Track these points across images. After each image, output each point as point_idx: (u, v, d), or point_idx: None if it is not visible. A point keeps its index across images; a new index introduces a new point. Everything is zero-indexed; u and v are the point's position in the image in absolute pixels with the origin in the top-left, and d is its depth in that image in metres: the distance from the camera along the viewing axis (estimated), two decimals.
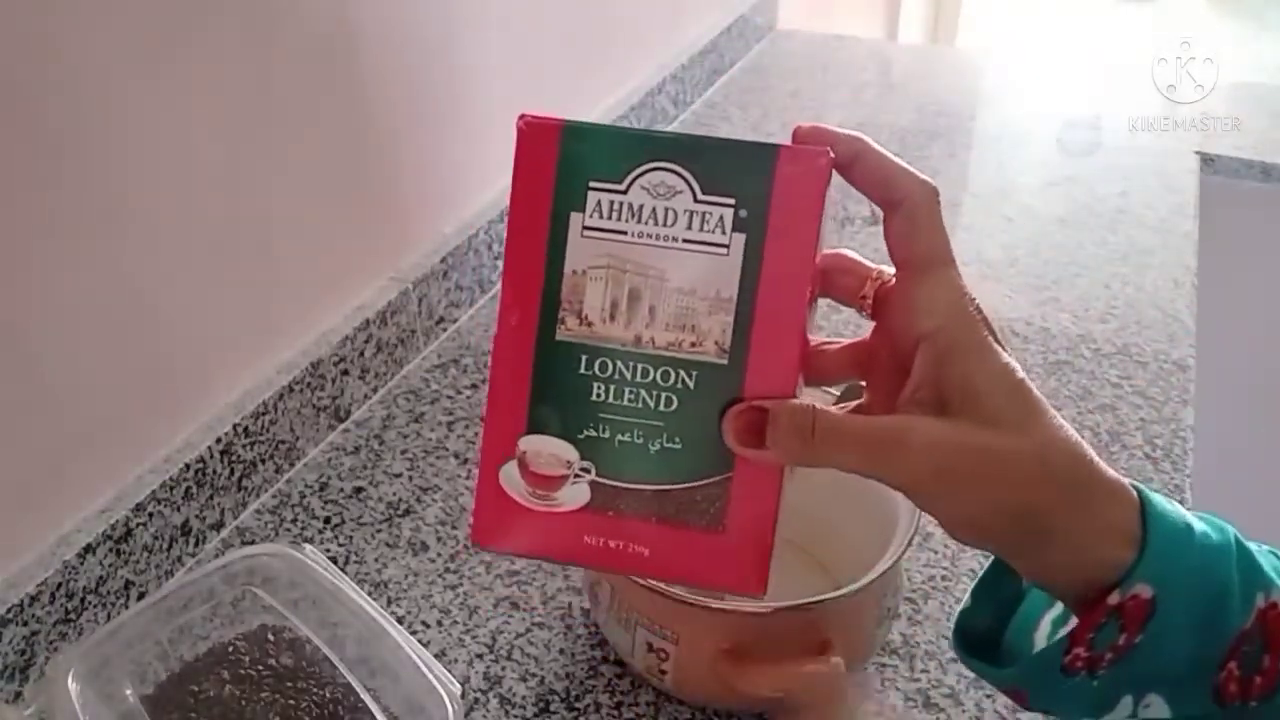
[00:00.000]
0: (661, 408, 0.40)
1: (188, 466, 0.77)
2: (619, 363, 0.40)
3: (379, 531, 0.82)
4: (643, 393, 0.40)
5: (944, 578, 0.77)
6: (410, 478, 0.88)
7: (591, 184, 0.39)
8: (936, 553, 0.79)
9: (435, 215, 1.05)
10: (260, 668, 0.62)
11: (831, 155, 0.39)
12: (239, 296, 0.83)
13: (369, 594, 0.77)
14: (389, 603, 0.76)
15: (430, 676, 0.57)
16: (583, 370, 0.40)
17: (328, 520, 0.84)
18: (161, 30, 0.70)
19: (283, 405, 0.85)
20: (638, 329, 0.39)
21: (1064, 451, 0.39)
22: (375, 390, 0.97)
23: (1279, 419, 1.64)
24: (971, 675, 0.70)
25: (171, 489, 0.76)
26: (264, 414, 0.84)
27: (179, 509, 0.77)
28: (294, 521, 0.84)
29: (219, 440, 0.80)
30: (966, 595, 0.48)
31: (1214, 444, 1.14)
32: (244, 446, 0.82)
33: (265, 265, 0.85)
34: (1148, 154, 1.40)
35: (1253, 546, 0.41)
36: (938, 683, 0.70)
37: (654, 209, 0.39)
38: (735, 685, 0.60)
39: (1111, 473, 0.40)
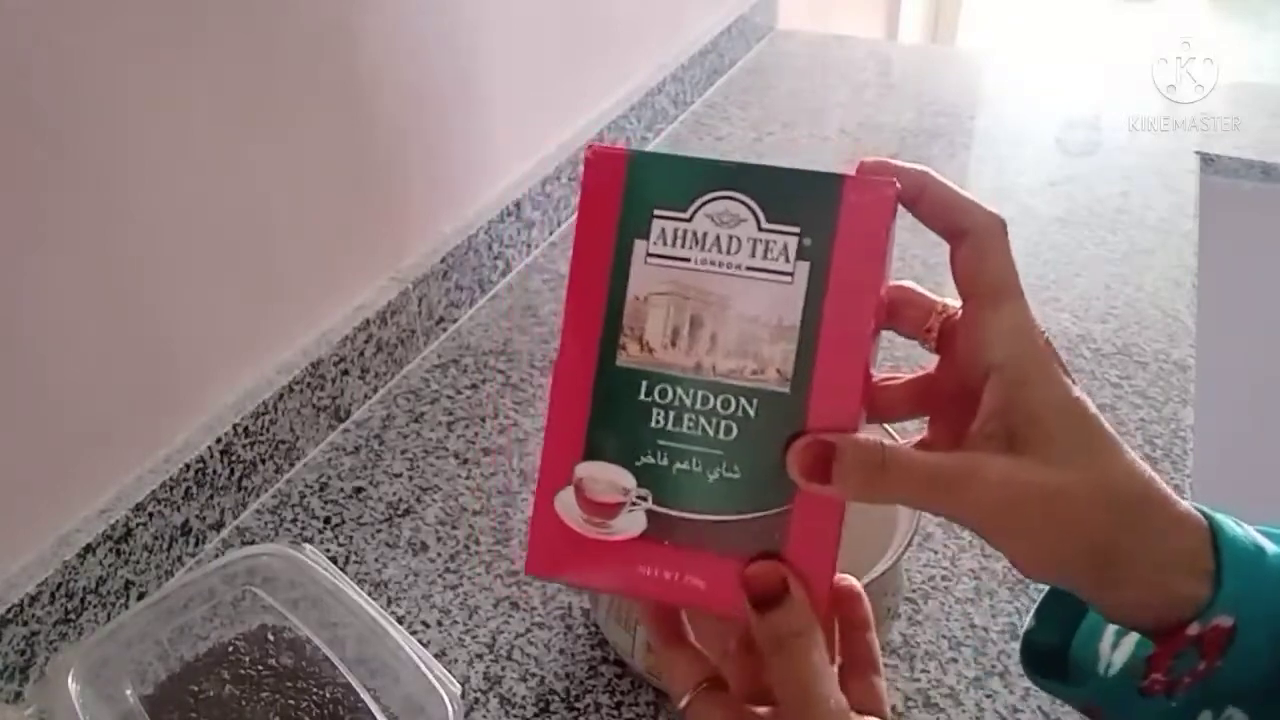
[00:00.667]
0: (721, 436, 0.39)
1: (188, 466, 0.77)
2: (679, 389, 0.39)
3: (379, 531, 0.82)
4: (703, 420, 0.39)
5: (944, 578, 0.77)
6: (410, 478, 0.88)
7: (657, 211, 0.39)
8: (936, 553, 0.79)
9: (435, 215, 1.05)
10: (260, 668, 0.62)
11: (897, 186, 0.39)
12: (239, 296, 0.83)
13: (369, 594, 0.77)
14: (389, 603, 0.76)
15: (430, 676, 0.57)
16: (642, 396, 0.39)
17: (328, 520, 0.84)
18: (162, 31, 0.70)
19: (283, 405, 0.85)
20: (699, 356, 0.39)
21: (1132, 487, 0.38)
22: (375, 390, 0.97)
23: (1279, 419, 1.64)
24: (971, 675, 0.70)
25: (171, 489, 0.76)
26: (264, 414, 0.84)
27: (179, 509, 0.77)
28: (294, 521, 0.84)
29: (219, 440, 0.80)
30: (1030, 615, 0.47)
31: (1214, 444, 1.14)
32: (244, 446, 0.82)
33: (265, 265, 0.85)
34: (1148, 154, 1.40)
35: None
36: (938, 683, 0.70)
37: (718, 236, 0.39)
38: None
39: (1181, 503, 0.39)
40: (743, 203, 0.39)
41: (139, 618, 0.62)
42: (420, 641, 0.73)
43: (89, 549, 0.71)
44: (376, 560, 0.80)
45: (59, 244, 0.67)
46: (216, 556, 0.80)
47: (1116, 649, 0.43)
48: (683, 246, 0.39)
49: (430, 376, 1.00)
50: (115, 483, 0.75)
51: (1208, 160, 1.40)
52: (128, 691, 0.59)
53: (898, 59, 1.87)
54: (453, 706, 0.56)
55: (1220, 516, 0.40)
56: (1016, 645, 0.72)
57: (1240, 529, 0.40)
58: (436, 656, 0.72)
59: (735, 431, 0.39)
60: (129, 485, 0.75)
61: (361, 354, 0.94)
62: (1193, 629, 0.38)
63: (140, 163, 0.71)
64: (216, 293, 0.80)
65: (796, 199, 0.38)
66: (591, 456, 0.40)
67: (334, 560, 0.80)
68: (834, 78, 1.69)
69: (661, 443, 0.39)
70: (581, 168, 0.40)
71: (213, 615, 0.64)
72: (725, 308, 0.39)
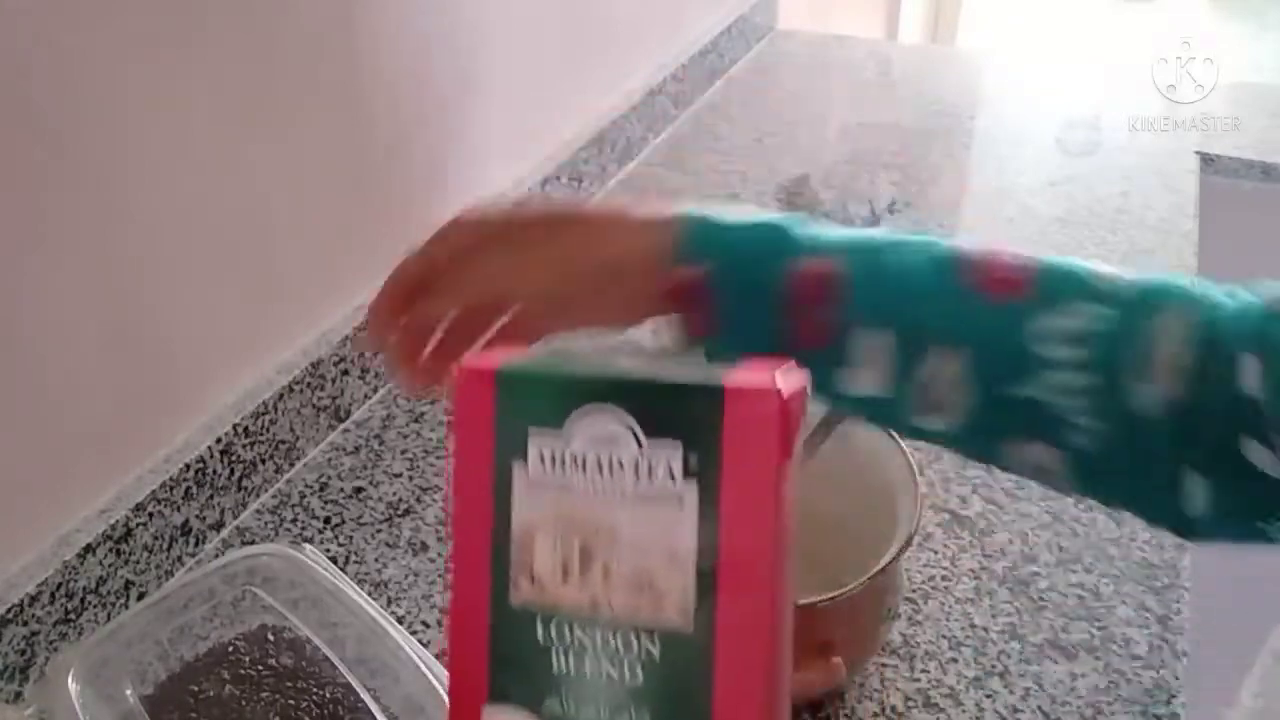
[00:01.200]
0: (627, 679, 0.35)
1: (188, 466, 0.77)
2: (577, 629, 0.36)
3: (379, 531, 0.82)
4: (605, 662, 0.36)
5: (944, 578, 0.78)
6: (410, 478, 0.88)
7: (532, 431, 0.36)
8: (936, 553, 0.80)
9: (435, 215, 1.04)
10: (260, 668, 0.62)
11: (785, 396, 0.35)
12: (239, 296, 0.83)
13: (369, 594, 0.77)
14: (389, 603, 0.76)
15: (430, 676, 0.57)
16: (540, 637, 0.36)
17: (328, 520, 0.84)
18: (162, 31, 0.70)
19: (283, 405, 0.85)
20: (594, 591, 0.35)
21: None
22: (375, 390, 0.97)
23: None
24: (971, 675, 0.70)
25: (171, 489, 0.76)
26: (264, 414, 0.84)
27: (179, 509, 0.77)
28: (294, 521, 0.84)
29: (219, 440, 0.80)
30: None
31: None
32: (244, 446, 0.82)
33: (265, 265, 0.85)
34: (1148, 154, 1.40)
35: (818, 230, 0.50)
36: (938, 683, 0.70)
37: (598, 457, 0.35)
38: None
39: (650, 212, 0.51)
40: (619, 417, 0.35)
41: (139, 618, 0.62)
42: (420, 641, 0.72)
43: (89, 549, 0.71)
44: (376, 560, 0.80)
45: (59, 244, 0.67)
46: (217, 556, 0.80)
47: None
48: (563, 470, 0.36)
49: None
50: (115, 483, 0.75)
51: (1208, 160, 1.40)
52: (128, 691, 0.59)
53: (898, 59, 1.87)
54: None
55: (698, 208, 0.51)
56: (1016, 645, 0.72)
57: (712, 209, 0.51)
58: (436, 657, 0.72)
59: (640, 675, 0.35)
60: (129, 485, 0.75)
61: (361, 354, 0.94)
62: (672, 280, 0.50)
63: (140, 163, 0.71)
64: (216, 293, 0.80)
65: (677, 410, 0.35)
66: (496, 699, 0.37)
67: (334, 560, 0.80)
68: (834, 78, 1.69)
69: (565, 687, 0.36)
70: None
71: (213, 615, 0.64)
72: (614, 538, 0.35)
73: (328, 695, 0.60)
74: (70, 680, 0.56)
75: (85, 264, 0.69)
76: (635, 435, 0.35)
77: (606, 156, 1.31)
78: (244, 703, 0.60)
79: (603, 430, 0.36)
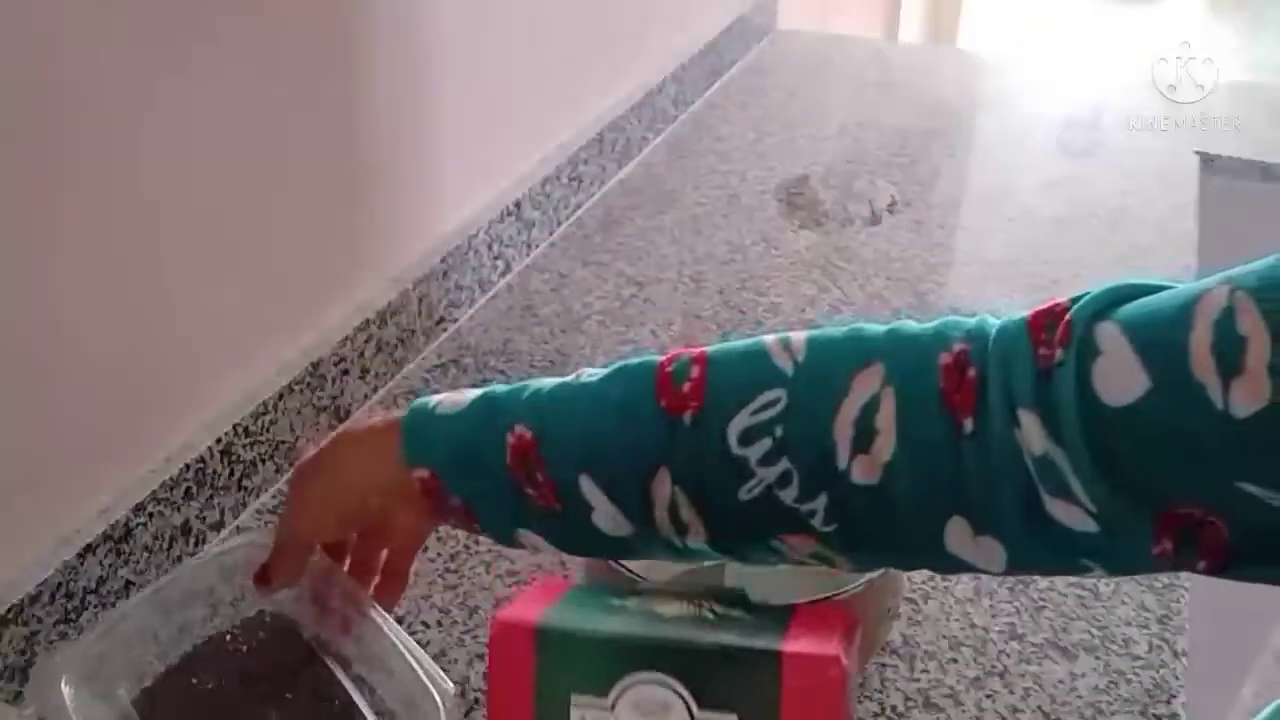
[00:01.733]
0: None
1: (188, 466, 0.77)
2: None
3: None
4: None
5: (944, 578, 0.77)
6: None
7: (575, 699, 0.35)
8: None
9: (435, 215, 1.05)
10: (255, 660, 0.61)
11: (844, 664, 0.34)
12: (239, 296, 0.83)
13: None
14: None
15: (422, 675, 0.57)
16: None
17: None
18: (162, 30, 0.70)
19: (283, 405, 0.85)
20: None
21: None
22: (375, 390, 0.97)
23: None
24: (971, 675, 0.70)
25: (171, 489, 0.76)
26: (264, 414, 0.84)
27: (179, 509, 0.77)
28: None
29: (219, 440, 0.80)
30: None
31: None
32: (244, 446, 0.82)
33: (265, 265, 0.85)
34: (1148, 154, 1.40)
35: (530, 387, 0.51)
36: (938, 683, 0.70)
37: None
38: None
39: (374, 422, 0.54)
40: (670, 687, 0.34)
41: (136, 612, 0.62)
42: (420, 642, 0.72)
43: (89, 549, 0.71)
44: None
45: (59, 244, 0.67)
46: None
47: None
48: None
49: (430, 376, 1.00)
50: (115, 483, 0.75)
51: (1208, 160, 1.40)
52: (121, 691, 0.59)
53: (898, 59, 1.87)
54: (445, 705, 0.56)
55: (413, 405, 0.53)
56: (1016, 645, 0.72)
57: (424, 402, 0.52)
58: (436, 657, 0.72)
59: None
60: (129, 485, 0.75)
61: (361, 354, 0.94)
62: (416, 488, 0.51)
63: (139, 162, 0.71)
64: (216, 293, 0.80)
65: (731, 679, 0.34)
66: None
67: None
68: (834, 78, 1.69)
69: None
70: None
71: (213, 615, 0.64)
72: None
73: (323, 691, 0.60)
74: (64, 684, 0.56)
75: (85, 264, 0.69)
76: (687, 706, 0.34)
77: (606, 156, 1.31)
78: (239, 697, 0.60)
79: (651, 699, 0.34)
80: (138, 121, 0.70)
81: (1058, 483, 0.41)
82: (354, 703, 0.58)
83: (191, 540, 0.79)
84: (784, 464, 0.44)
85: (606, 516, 0.48)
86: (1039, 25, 4.25)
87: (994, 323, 0.45)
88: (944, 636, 0.73)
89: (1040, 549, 0.43)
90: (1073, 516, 0.41)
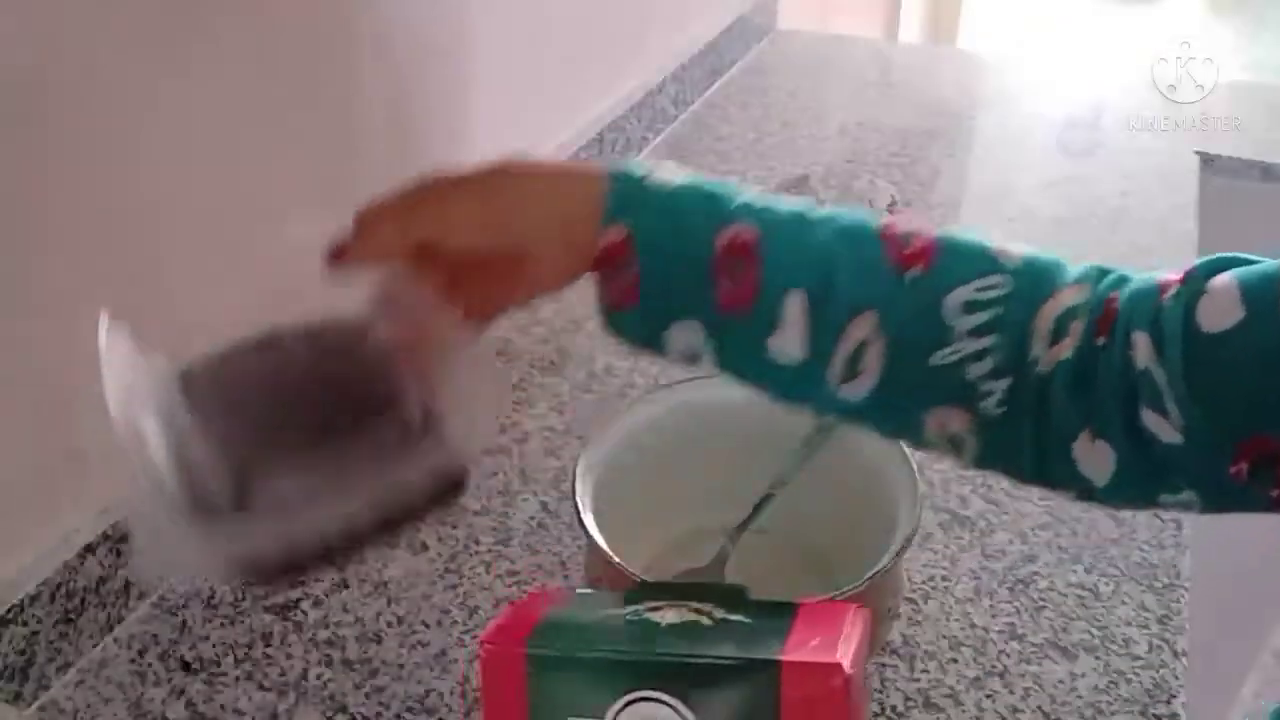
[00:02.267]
0: None
1: None
2: None
3: None
4: None
5: (944, 578, 0.78)
6: None
7: None
8: (936, 553, 0.80)
9: None
10: (318, 358, 0.56)
11: (847, 671, 0.33)
12: (239, 296, 0.82)
13: (368, 594, 0.77)
14: (389, 603, 0.76)
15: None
16: None
17: None
18: (161, 28, 0.70)
19: None
20: None
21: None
22: None
23: None
24: (971, 675, 0.70)
25: None
26: None
27: None
28: None
29: None
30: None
31: None
32: None
33: (265, 264, 0.84)
34: (1148, 154, 1.40)
35: (745, 192, 0.51)
36: (938, 683, 0.70)
37: None
38: None
39: (581, 165, 0.52)
40: (668, 704, 0.33)
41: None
42: (419, 642, 0.73)
43: (89, 549, 0.71)
44: (376, 560, 0.80)
45: (59, 244, 0.67)
46: None
47: None
48: None
49: None
50: (115, 483, 0.75)
51: (1208, 160, 1.40)
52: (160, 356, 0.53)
53: (898, 59, 1.87)
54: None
55: (622, 163, 0.51)
56: (1016, 645, 0.72)
57: (642, 165, 0.51)
58: (436, 657, 0.72)
59: None
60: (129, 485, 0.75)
61: None
62: (601, 242, 0.49)
63: (139, 162, 0.71)
64: (216, 292, 0.80)
65: (730, 694, 0.33)
66: None
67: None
68: (834, 78, 1.69)
69: None
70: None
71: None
72: None
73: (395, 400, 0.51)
74: (105, 327, 0.51)
75: (85, 264, 0.69)
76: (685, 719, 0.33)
77: (606, 156, 1.31)
78: (296, 389, 0.54)
79: (650, 717, 0.33)
80: (136, 117, 0.70)
81: (1153, 395, 0.46)
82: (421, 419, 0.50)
83: None
84: (989, 340, 0.49)
85: (789, 338, 0.49)
86: (1039, 25, 4.25)
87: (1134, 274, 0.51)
88: (944, 636, 0.73)
89: (1138, 461, 0.48)
90: (1162, 428, 0.46)
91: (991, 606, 0.75)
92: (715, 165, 1.39)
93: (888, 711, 0.68)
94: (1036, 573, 0.78)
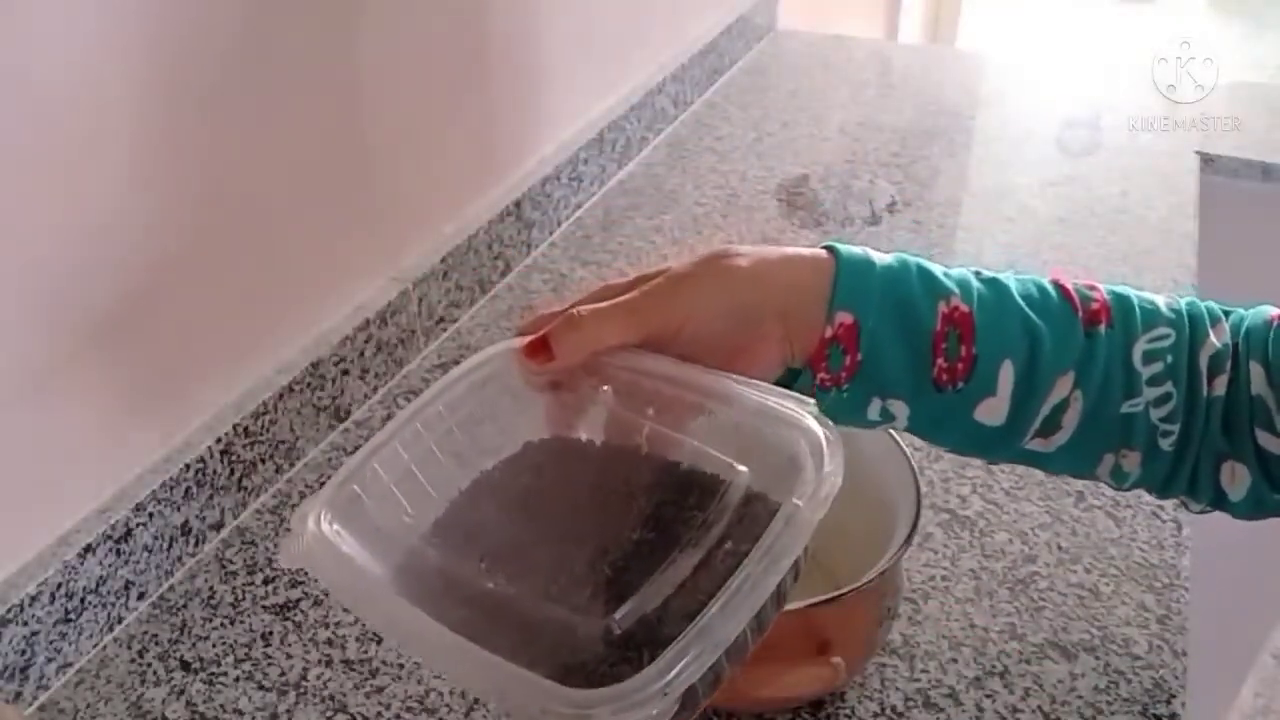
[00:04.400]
0: None
1: (188, 466, 0.77)
2: None
3: None
4: None
5: (944, 578, 0.78)
6: None
7: None
8: (936, 553, 0.79)
9: (435, 215, 1.05)
10: (580, 472, 0.50)
11: None
12: (239, 296, 0.83)
13: None
14: None
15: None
16: None
17: None
18: (163, 31, 0.70)
19: (283, 405, 0.85)
20: None
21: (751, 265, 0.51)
22: (375, 390, 0.97)
23: None
24: (971, 675, 0.70)
25: (171, 489, 0.76)
26: (264, 414, 0.84)
27: (179, 509, 0.77)
28: None
29: (219, 440, 0.80)
30: None
31: None
32: (244, 446, 0.82)
33: (265, 265, 0.85)
34: (1148, 154, 1.40)
35: (945, 268, 0.53)
36: (937, 683, 0.70)
37: None
38: (736, 686, 0.60)
39: (808, 253, 0.52)
40: None
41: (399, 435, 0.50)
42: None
43: (89, 549, 0.71)
44: None
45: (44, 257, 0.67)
46: (217, 556, 0.80)
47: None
48: None
49: (430, 376, 1.00)
50: (115, 483, 0.75)
51: (1208, 160, 1.40)
52: (405, 519, 0.48)
53: (898, 59, 1.87)
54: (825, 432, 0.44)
55: (841, 248, 0.52)
56: (1016, 645, 0.72)
57: (858, 249, 0.52)
58: None
59: None
60: (129, 485, 0.75)
61: (361, 354, 0.94)
62: (826, 331, 0.50)
63: (139, 162, 0.71)
64: (216, 292, 0.80)
65: None
66: None
67: None
68: (834, 78, 1.69)
69: None
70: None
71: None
72: None
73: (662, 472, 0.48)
74: (322, 519, 0.45)
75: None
76: None
77: (606, 156, 1.31)
78: (562, 483, 0.49)
79: None
80: (136, 120, 0.70)
81: (1266, 418, 0.53)
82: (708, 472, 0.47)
83: (191, 540, 0.79)
84: (1167, 386, 0.53)
85: (996, 405, 0.52)
86: (1039, 25, 4.25)
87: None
88: (944, 636, 0.73)
89: (1264, 478, 0.54)
90: (1274, 445, 0.53)
91: (991, 606, 0.75)
92: (715, 165, 1.39)
93: (888, 711, 0.68)
94: (1036, 573, 0.78)
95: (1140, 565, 0.78)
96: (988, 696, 0.69)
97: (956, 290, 0.52)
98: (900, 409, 0.53)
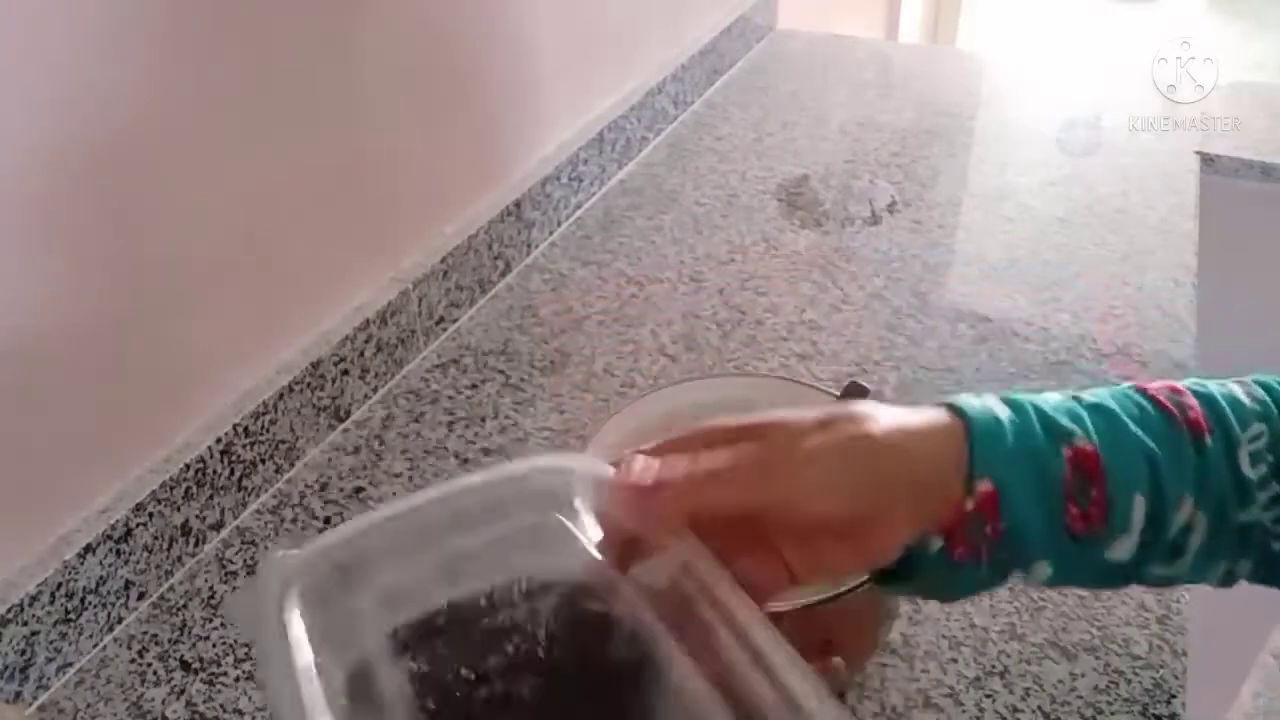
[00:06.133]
0: None
1: (188, 466, 0.77)
2: None
3: None
4: None
5: None
6: (410, 478, 0.88)
7: None
8: None
9: (435, 215, 1.05)
10: (565, 651, 0.43)
11: None
12: (239, 296, 0.83)
13: None
14: None
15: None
16: None
17: (328, 520, 0.84)
18: (161, 33, 0.70)
19: (283, 405, 0.85)
20: None
21: (887, 435, 0.46)
22: (375, 390, 0.97)
23: None
24: (971, 675, 0.70)
25: (171, 489, 0.76)
26: (264, 414, 0.84)
27: (179, 509, 0.77)
28: (294, 521, 0.84)
29: (219, 440, 0.80)
30: None
31: None
32: (244, 446, 0.82)
33: (265, 265, 0.85)
34: (1148, 154, 1.40)
35: (1049, 402, 0.49)
36: (938, 683, 0.70)
37: None
38: None
39: (936, 419, 0.47)
40: None
41: (401, 521, 0.43)
42: None
43: (89, 549, 0.71)
44: None
45: (61, 244, 0.67)
46: (217, 557, 0.80)
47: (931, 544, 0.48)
48: None
49: (430, 376, 1.00)
50: (115, 483, 0.75)
51: (1208, 160, 1.40)
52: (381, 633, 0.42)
53: (898, 59, 1.87)
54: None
55: (964, 402, 0.48)
56: (1016, 645, 0.72)
57: (979, 403, 0.48)
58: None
59: None
60: (129, 485, 0.75)
61: (361, 354, 0.94)
62: (967, 504, 0.46)
63: (139, 162, 0.71)
64: (216, 293, 0.80)
65: None
66: None
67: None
68: (834, 78, 1.69)
69: None
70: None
71: (506, 546, 0.45)
72: None
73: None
74: (291, 597, 0.40)
75: (85, 265, 0.69)
76: None
77: (606, 156, 1.31)
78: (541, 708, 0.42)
79: None
80: (136, 120, 0.70)
81: None
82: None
83: (191, 540, 0.79)
84: (1274, 488, 0.50)
85: (1128, 543, 0.48)
86: (1039, 25, 4.25)
87: None
88: (944, 636, 0.73)
89: None
90: None
91: (991, 606, 0.75)
92: (715, 165, 1.39)
93: (888, 711, 0.68)
94: None
95: None
96: (988, 696, 0.69)
97: (1076, 429, 0.48)
98: (1042, 570, 0.48)
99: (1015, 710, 0.68)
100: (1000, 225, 1.25)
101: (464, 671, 0.42)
